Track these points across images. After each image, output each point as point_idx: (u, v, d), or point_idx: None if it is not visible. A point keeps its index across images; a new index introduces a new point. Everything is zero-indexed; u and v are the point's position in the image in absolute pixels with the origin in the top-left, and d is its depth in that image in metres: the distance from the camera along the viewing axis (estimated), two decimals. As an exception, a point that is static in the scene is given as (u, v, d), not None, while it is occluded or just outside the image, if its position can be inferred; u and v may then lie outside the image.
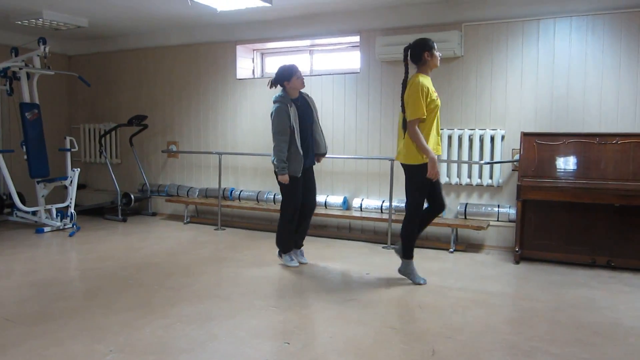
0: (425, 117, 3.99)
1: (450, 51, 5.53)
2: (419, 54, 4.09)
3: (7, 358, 2.89)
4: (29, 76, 6.79)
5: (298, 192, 4.66)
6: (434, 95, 4.05)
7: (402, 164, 4.19)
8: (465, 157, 5.64)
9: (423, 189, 4.13)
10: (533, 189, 4.85)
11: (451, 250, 5.41)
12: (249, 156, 6.98)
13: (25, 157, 6.60)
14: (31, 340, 3.14)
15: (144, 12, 6.35)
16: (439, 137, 4.24)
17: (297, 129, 4.54)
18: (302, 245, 4.98)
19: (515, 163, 5.40)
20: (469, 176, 5.67)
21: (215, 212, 6.83)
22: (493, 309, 3.72)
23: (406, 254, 4.33)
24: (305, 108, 4.70)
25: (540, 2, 5.25)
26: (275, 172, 4.61)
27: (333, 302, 3.83)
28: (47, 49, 6.56)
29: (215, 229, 6.63)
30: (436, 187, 4.24)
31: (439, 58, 4.13)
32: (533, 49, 5.37)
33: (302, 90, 4.74)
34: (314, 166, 4.89)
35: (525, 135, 5.18)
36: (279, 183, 4.65)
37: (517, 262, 4.95)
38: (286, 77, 4.59)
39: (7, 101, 6.87)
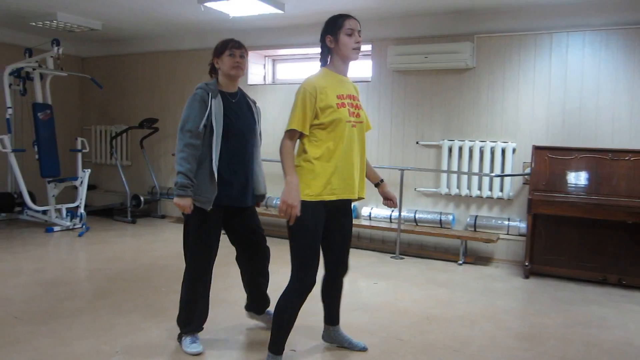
0: (305, 131, 2.60)
1: (462, 62, 5.52)
2: (321, 40, 2.75)
3: (14, 356, 2.91)
4: (42, 77, 6.86)
5: (209, 237, 3.04)
6: (334, 99, 2.62)
7: None
8: (475, 169, 5.62)
9: (307, 236, 2.63)
10: (544, 203, 4.82)
11: (460, 262, 5.38)
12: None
13: (37, 156, 6.65)
14: (39, 338, 3.15)
15: (157, 16, 6.39)
16: (361, 171, 2.81)
17: (219, 134, 2.88)
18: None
19: (526, 176, 5.38)
20: (479, 188, 5.65)
21: (223, 216, 6.83)
22: (501, 323, 3.69)
23: (273, 347, 2.74)
24: (242, 110, 3.07)
25: (553, 15, 5.24)
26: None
27: (340, 311, 3.80)
28: (60, 51, 6.62)
29: (224, 233, 6.62)
30: (336, 239, 2.83)
31: (352, 44, 2.65)
32: (545, 62, 5.36)
33: (248, 95, 3.25)
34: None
35: (536, 149, 5.15)
36: (183, 215, 3.00)
37: (526, 277, 4.91)
38: (216, 52, 3.05)
39: (21, 101, 6.92)
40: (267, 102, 6.97)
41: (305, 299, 2.69)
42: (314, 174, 2.61)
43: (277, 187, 6.87)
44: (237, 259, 3.33)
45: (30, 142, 6.79)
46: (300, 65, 7.20)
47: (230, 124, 2.93)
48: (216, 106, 2.89)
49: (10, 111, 6.60)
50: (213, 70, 3.09)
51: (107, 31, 7.23)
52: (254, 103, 3.22)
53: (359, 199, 2.82)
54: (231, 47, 2.99)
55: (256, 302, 3.37)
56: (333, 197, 2.65)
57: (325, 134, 2.61)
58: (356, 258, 5.54)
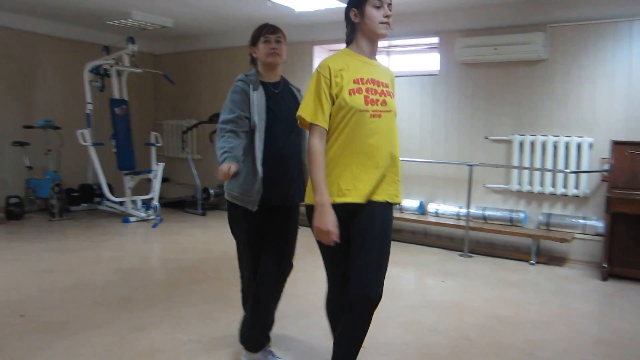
0: (326, 125, 2.18)
1: (534, 53, 5.32)
2: (345, 16, 2.31)
3: (96, 338, 3.08)
4: (119, 73, 7.17)
5: (254, 238, 2.72)
6: (349, 84, 2.17)
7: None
8: (549, 165, 5.40)
9: (324, 254, 2.38)
10: (624, 202, 4.58)
11: (532, 262, 5.20)
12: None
13: (114, 150, 6.98)
14: (117, 323, 3.31)
15: (225, 13, 6.54)
16: (390, 170, 2.26)
17: (262, 129, 2.60)
18: (270, 338, 2.87)
19: (604, 173, 5.12)
20: (553, 185, 5.43)
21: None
22: (577, 327, 3.54)
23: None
24: (287, 100, 2.76)
25: (633, 1, 4.93)
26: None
27: (406, 309, 3.78)
28: (135, 48, 6.90)
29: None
30: (358, 255, 2.22)
31: (379, 17, 2.22)
32: (625, 52, 5.06)
33: (291, 82, 2.90)
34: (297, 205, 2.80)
35: (616, 144, 4.89)
36: (229, 220, 2.76)
37: (604, 279, 4.68)
38: (252, 40, 2.78)
39: (99, 97, 7.27)
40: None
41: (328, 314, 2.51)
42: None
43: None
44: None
45: (108, 136, 7.13)
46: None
47: (274, 117, 2.64)
48: (258, 99, 2.62)
49: (90, 106, 6.96)
50: (253, 62, 2.83)
51: (178, 28, 7.46)
52: (299, 91, 2.86)
53: (394, 203, 2.31)
54: (265, 33, 2.69)
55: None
56: (347, 200, 2.18)
57: (335, 127, 2.19)
58: (423, 255, 5.48)
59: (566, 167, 5.30)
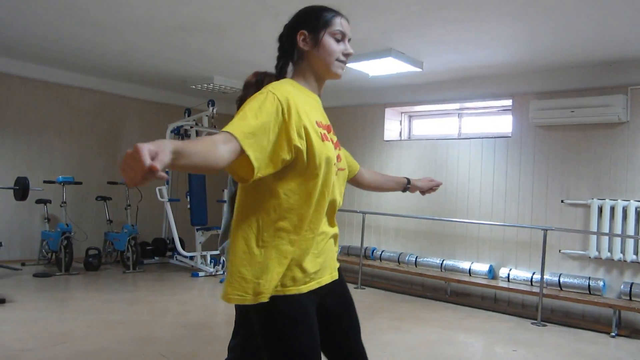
0: (258, 159, 1.48)
1: (614, 116, 5.15)
2: (286, 37, 1.77)
3: (160, 393, 3.11)
4: (197, 134, 7.56)
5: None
6: (313, 126, 1.63)
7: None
8: (630, 231, 5.10)
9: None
10: None
11: (613, 334, 4.84)
12: (392, 217, 6.98)
13: (189, 206, 7.27)
14: (182, 378, 3.35)
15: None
16: (326, 235, 1.74)
17: None
18: None
19: (693, 242, 4.77)
20: (635, 252, 5.10)
21: (357, 270, 6.87)
22: (666, 409, 3.23)
23: None
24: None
25: None
26: None
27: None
28: (215, 110, 7.29)
29: (355, 287, 6.66)
30: (345, 340, 1.82)
31: (338, 53, 1.74)
32: None
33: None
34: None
35: None
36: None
37: (695, 357, 4.29)
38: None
39: (178, 156, 7.67)
40: (402, 158, 7.01)
41: None
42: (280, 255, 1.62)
43: (411, 242, 6.81)
44: None
45: (184, 193, 7.45)
46: (436, 121, 7.19)
47: None
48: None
49: (169, 165, 7.34)
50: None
51: (254, 92, 7.83)
52: None
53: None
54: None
55: None
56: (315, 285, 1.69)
57: (298, 185, 1.61)
58: (493, 322, 5.23)
59: (650, 235, 4.98)
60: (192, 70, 6.64)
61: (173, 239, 7.15)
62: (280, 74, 1.78)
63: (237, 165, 1.47)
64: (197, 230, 7.25)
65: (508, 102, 6.19)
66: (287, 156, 1.54)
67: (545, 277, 5.37)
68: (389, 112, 7.30)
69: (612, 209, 5.23)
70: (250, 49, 5.47)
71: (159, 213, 7.77)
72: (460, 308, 5.72)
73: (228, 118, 7.89)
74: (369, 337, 4.34)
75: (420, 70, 5.68)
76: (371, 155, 7.34)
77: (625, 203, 5.17)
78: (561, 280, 5.41)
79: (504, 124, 6.39)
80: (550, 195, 5.71)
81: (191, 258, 7.22)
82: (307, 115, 1.62)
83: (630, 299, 5.01)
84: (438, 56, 5.43)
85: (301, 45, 1.73)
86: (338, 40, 1.74)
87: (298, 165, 1.59)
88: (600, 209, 5.31)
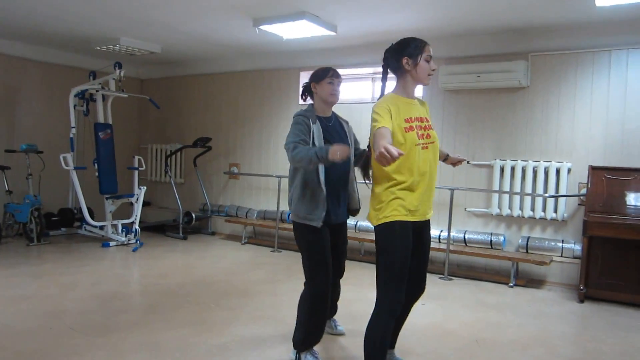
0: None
1: (515, 81, 5.44)
2: (396, 60, 2.72)
3: (70, 366, 3.02)
4: (104, 98, 7.19)
5: (325, 252, 3.10)
6: (402, 123, 2.66)
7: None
8: (528, 189, 5.48)
9: (396, 260, 2.67)
10: (600, 225, 4.65)
11: (511, 284, 5.24)
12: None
13: (97, 174, 6.95)
14: (94, 350, 3.26)
15: (213, 40, 6.61)
16: (429, 195, 2.84)
17: None
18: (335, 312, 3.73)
19: (582, 197, 5.20)
20: (532, 209, 5.50)
21: (273, 234, 6.91)
22: (554, 348, 3.56)
23: None
24: (338, 132, 3.24)
25: (612, 33, 5.09)
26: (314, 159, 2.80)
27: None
28: (122, 73, 6.93)
29: (272, 251, 6.71)
30: (418, 256, 2.79)
31: (429, 70, 2.70)
32: (604, 80, 5.20)
33: (340, 116, 3.40)
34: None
35: (593, 169, 4.99)
36: (299, 240, 3.17)
37: (581, 301, 4.73)
38: (316, 78, 3.24)
39: (84, 121, 7.27)
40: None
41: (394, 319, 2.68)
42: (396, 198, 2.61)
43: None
44: None
45: (91, 160, 7.10)
46: (352, 85, 7.26)
47: None
48: (317, 131, 3.06)
49: (73, 130, 6.94)
50: (307, 93, 3.32)
51: (166, 54, 7.53)
52: (347, 123, 3.37)
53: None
54: (331, 76, 3.19)
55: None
56: (414, 218, 2.64)
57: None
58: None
59: (545, 192, 5.38)
60: (98, 30, 6.24)
61: (81, 208, 6.83)
62: (384, 84, 2.84)
63: None
64: (107, 199, 6.97)
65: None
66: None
67: (451, 234, 5.67)
68: (304, 76, 7.27)
69: (513, 168, 5.59)
70: (160, 8, 5.19)
71: (64, 182, 7.37)
72: (374, 267, 5.91)
73: (136, 82, 7.55)
74: (286, 298, 4.42)
75: (335, 34, 5.68)
76: (286, 120, 7.32)
77: (524, 163, 5.53)
78: (466, 236, 5.75)
79: (416, 88, 6.55)
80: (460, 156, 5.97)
81: (101, 228, 6.94)
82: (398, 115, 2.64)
83: (527, 252, 5.42)
84: (352, 20, 5.44)
85: (405, 66, 2.66)
86: (427, 61, 2.66)
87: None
88: (502, 169, 5.65)
